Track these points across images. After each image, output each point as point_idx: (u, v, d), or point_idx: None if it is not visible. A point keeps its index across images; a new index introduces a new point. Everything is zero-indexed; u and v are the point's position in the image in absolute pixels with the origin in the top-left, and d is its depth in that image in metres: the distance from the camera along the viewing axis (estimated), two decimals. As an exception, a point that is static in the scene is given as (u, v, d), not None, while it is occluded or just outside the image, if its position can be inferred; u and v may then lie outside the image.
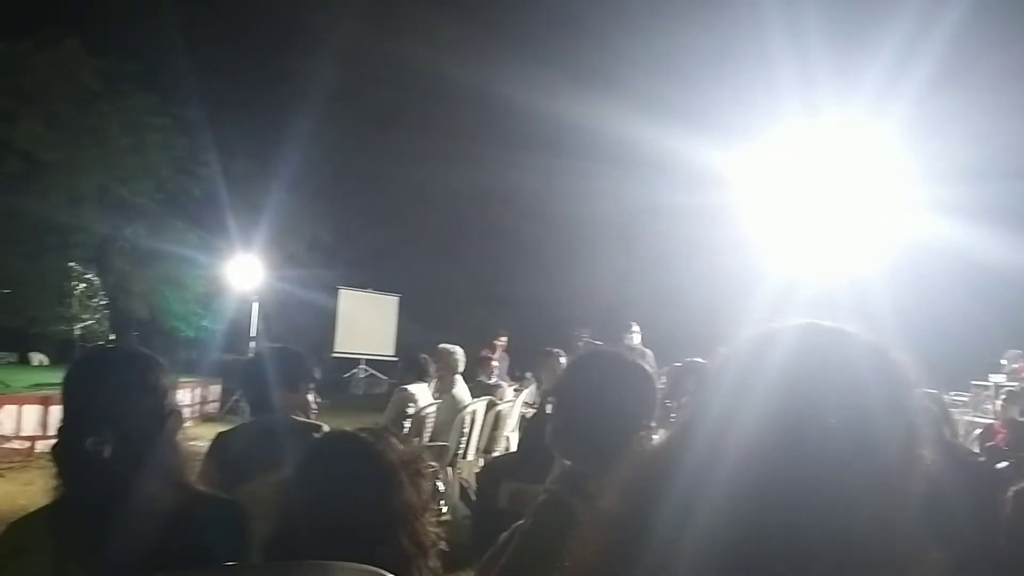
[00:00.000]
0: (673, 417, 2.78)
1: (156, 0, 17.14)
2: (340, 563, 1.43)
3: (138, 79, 15.72)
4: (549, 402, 2.17)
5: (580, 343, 11.65)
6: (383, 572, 1.41)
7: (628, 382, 1.98)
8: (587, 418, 1.93)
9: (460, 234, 19.13)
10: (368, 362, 18.34)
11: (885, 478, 0.89)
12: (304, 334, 17.51)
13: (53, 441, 1.67)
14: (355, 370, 18.33)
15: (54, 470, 1.65)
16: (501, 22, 15.52)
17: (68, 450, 1.58)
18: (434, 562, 1.61)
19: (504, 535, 1.84)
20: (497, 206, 18.43)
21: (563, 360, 6.35)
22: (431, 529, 1.64)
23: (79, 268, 13.85)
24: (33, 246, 15.17)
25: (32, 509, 4.92)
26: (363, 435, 1.70)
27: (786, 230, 12.42)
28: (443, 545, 1.68)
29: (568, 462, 2.00)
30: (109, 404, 1.58)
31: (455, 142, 17.87)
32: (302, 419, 3.18)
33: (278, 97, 17.81)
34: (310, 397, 3.31)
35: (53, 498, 1.63)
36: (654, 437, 1.82)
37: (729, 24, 13.71)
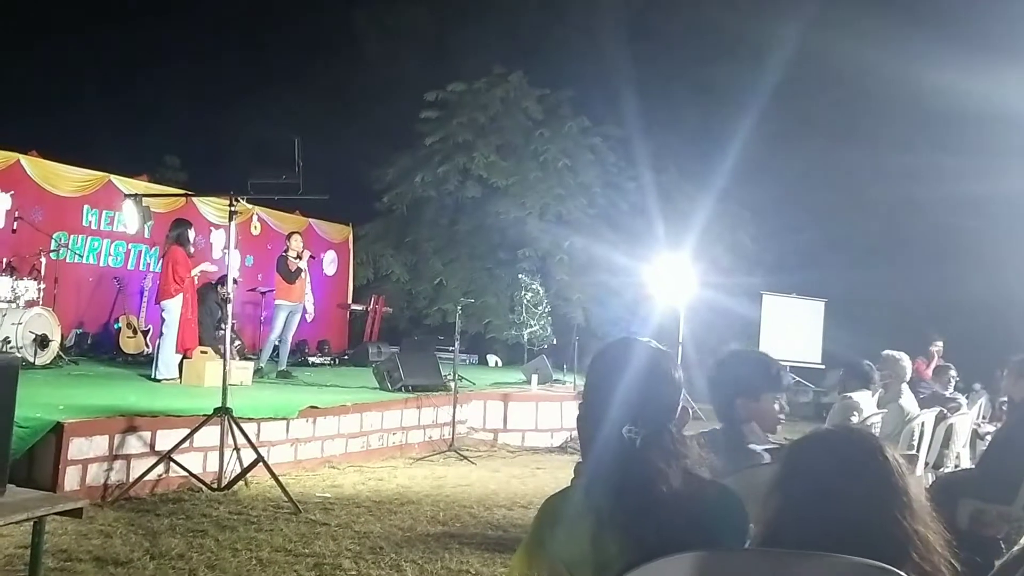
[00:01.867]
0: None
1: (587, 29, 18.66)
2: (844, 556, 1.52)
3: (573, 104, 17.11)
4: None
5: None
6: (887, 567, 1.47)
7: None
8: None
9: (889, 235, 17.89)
10: (793, 369, 17.91)
11: None
12: (729, 340, 17.63)
13: (580, 418, 1.87)
14: (780, 377, 18.00)
15: (584, 447, 1.87)
16: (928, 19, 14.33)
17: (603, 432, 1.75)
18: (934, 556, 1.63)
19: (1015, 551, 1.80)
20: (931, 207, 16.94)
21: None
22: (927, 517, 1.67)
23: (527, 279, 15.44)
24: (491, 260, 17.22)
25: (501, 494, 5.68)
26: (855, 428, 1.80)
27: None
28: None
29: None
30: (643, 394, 1.77)
31: (881, 144, 16.87)
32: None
33: (703, 109, 18.26)
34: (776, 407, 3.02)
35: (583, 475, 1.83)
36: None
37: None
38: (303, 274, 10.44)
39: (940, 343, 13.22)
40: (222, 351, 6.87)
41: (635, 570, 1.44)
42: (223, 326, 7.26)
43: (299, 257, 10.34)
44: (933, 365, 11.92)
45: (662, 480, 1.71)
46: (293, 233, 10.79)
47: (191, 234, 9.15)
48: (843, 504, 1.65)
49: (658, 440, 1.75)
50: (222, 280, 9.48)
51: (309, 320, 12.34)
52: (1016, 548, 1.83)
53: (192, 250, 9.08)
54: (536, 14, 19.54)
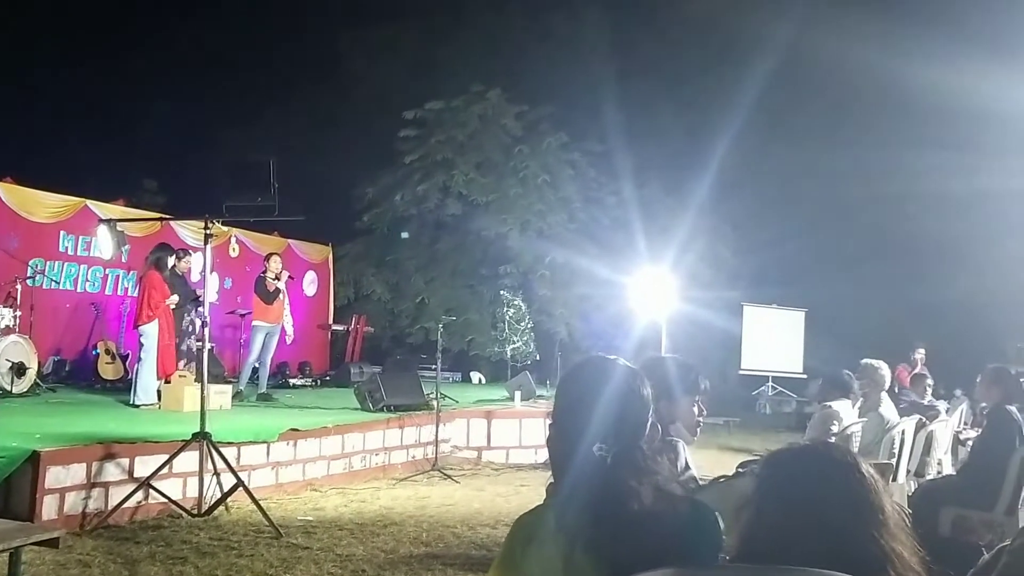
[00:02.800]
0: None
1: (568, 46, 18.78)
2: (819, 571, 1.51)
3: (552, 120, 17.18)
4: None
5: (1024, 356, 10.44)
6: None
7: None
8: None
9: (871, 243, 18.05)
10: (775, 379, 18.01)
11: None
12: (711, 352, 17.70)
13: (551, 438, 1.86)
14: (762, 388, 18.10)
15: (555, 467, 1.86)
16: (906, 22, 14.50)
17: (574, 450, 1.75)
18: (910, 573, 1.61)
19: (986, 557, 1.81)
20: (914, 210, 17.10)
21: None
22: (902, 534, 1.66)
23: (508, 295, 15.45)
24: (473, 277, 17.21)
25: (485, 512, 5.68)
26: (832, 444, 1.80)
27: None
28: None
29: None
30: (612, 413, 1.76)
31: (862, 150, 17.05)
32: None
33: (684, 123, 18.40)
34: (695, 410, 3.19)
35: (555, 494, 1.82)
36: None
37: None
38: (281, 295, 10.41)
39: (923, 350, 13.31)
40: (199, 373, 6.81)
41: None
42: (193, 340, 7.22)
43: (277, 278, 10.31)
44: (915, 372, 12.00)
45: (633, 497, 1.71)
46: (272, 254, 10.77)
47: (171, 260, 9.16)
48: (819, 521, 1.63)
49: (629, 458, 1.75)
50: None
51: (289, 342, 12.25)
52: (988, 554, 1.83)
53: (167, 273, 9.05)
54: (518, 32, 19.64)
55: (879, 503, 1.67)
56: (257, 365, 10.43)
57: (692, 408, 3.17)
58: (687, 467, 3.04)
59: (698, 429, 3.23)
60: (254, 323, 10.34)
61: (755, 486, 1.79)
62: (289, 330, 11.65)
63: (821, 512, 1.65)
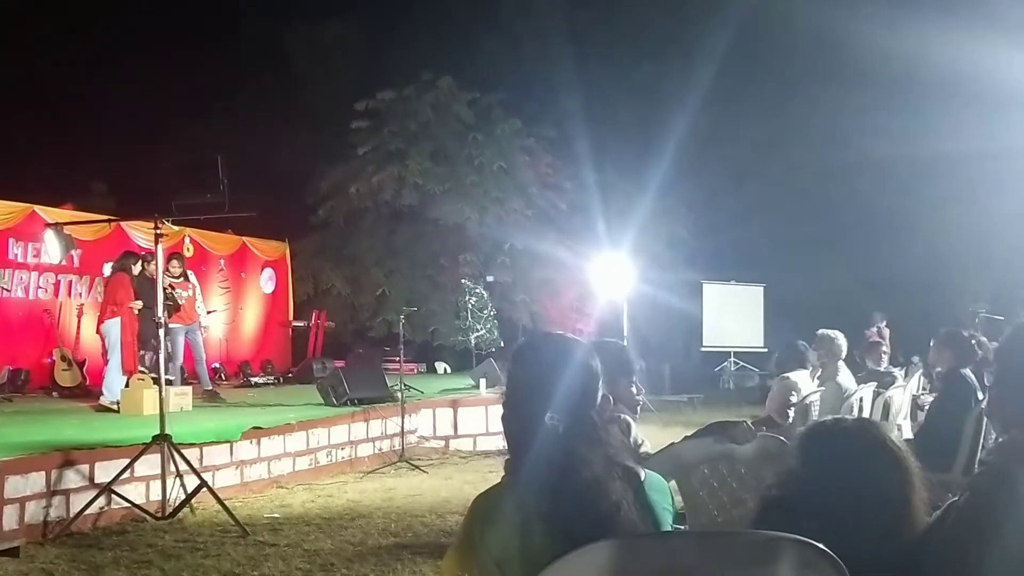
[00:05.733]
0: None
1: (518, 31, 18.76)
2: (763, 532, 1.58)
3: (505, 106, 17.15)
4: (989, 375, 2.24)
5: (977, 319, 10.65)
6: (804, 539, 1.49)
7: None
8: None
9: (825, 217, 18.29)
10: (737, 355, 18.23)
11: None
12: (672, 331, 17.89)
13: (505, 415, 1.90)
14: (725, 364, 18.31)
15: (510, 443, 1.88)
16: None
17: (528, 425, 1.78)
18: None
19: (936, 513, 1.87)
20: (865, 183, 17.37)
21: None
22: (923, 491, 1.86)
23: (470, 284, 15.43)
24: (432, 268, 17.16)
25: (454, 500, 5.69)
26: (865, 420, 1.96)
27: None
28: None
29: (1005, 434, 1.97)
30: (562, 384, 1.78)
31: (812, 126, 17.25)
32: None
33: (637, 106, 18.50)
34: (633, 390, 3.32)
35: (510, 471, 1.83)
36: None
37: None
38: (193, 290, 10.39)
39: (883, 322, 13.54)
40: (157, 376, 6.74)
41: (558, 560, 1.44)
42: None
43: (182, 276, 10.23)
44: (871, 340, 12.19)
45: (585, 466, 1.72)
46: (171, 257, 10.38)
47: (137, 266, 9.18)
48: (861, 495, 1.80)
49: (580, 428, 1.77)
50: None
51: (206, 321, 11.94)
52: (939, 511, 1.89)
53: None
54: (466, 19, 19.57)
55: (910, 467, 1.88)
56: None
57: (631, 388, 3.31)
58: (639, 442, 3.11)
59: (638, 408, 3.39)
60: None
61: (796, 458, 1.96)
62: (206, 321, 11.51)
63: (862, 487, 1.82)
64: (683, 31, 18.69)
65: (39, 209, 11.04)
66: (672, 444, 3.43)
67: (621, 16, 19.57)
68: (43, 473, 5.57)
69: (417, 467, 8.36)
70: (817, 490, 1.82)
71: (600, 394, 1.86)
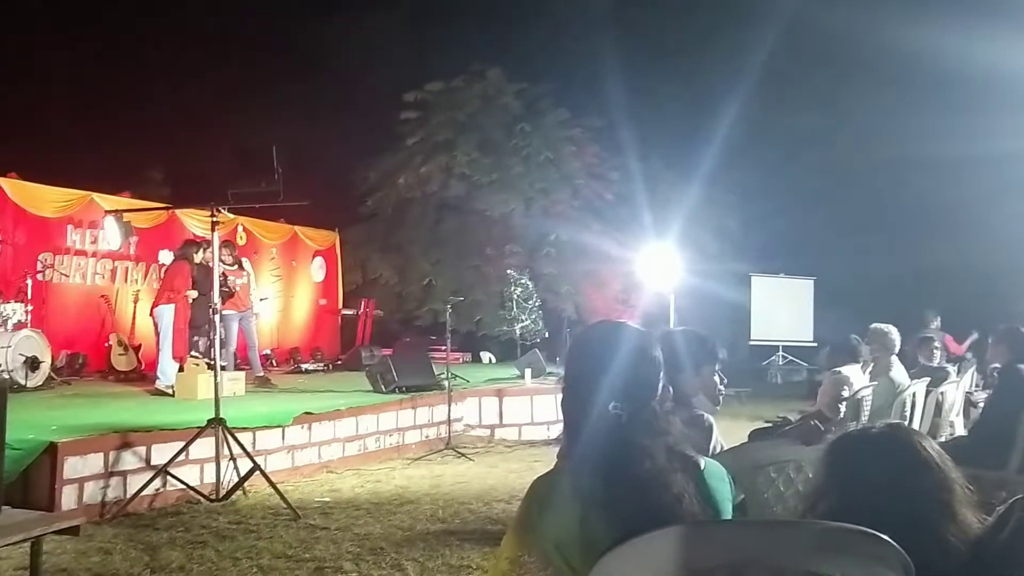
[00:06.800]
0: None
1: (565, 21, 18.67)
2: (825, 523, 1.57)
3: (553, 97, 17.12)
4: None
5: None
6: (869, 531, 1.48)
7: None
8: None
9: (877, 209, 17.95)
10: (785, 349, 18.02)
11: None
12: (720, 324, 17.71)
13: (565, 401, 1.88)
14: (773, 358, 18.12)
15: (569, 429, 1.87)
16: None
17: (589, 412, 1.78)
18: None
19: (1000, 510, 1.84)
20: (918, 176, 17.00)
21: None
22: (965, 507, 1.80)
23: (515, 274, 15.45)
24: (478, 258, 17.21)
25: (500, 488, 5.71)
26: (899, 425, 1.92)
27: None
28: None
29: None
30: (625, 373, 1.78)
31: (865, 117, 16.95)
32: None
33: (685, 95, 18.31)
34: (716, 379, 3.26)
35: (568, 456, 1.84)
36: None
37: None
38: (247, 278, 10.56)
39: (937, 321, 13.23)
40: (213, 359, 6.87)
41: (620, 545, 1.45)
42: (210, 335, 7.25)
43: (235, 264, 10.38)
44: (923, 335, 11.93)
45: (647, 457, 1.73)
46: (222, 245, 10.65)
47: (199, 255, 9.40)
48: (897, 503, 1.74)
49: (642, 417, 1.78)
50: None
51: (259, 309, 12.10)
52: (1002, 508, 1.85)
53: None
54: (512, 8, 19.54)
55: (948, 476, 1.82)
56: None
57: (713, 378, 3.22)
58: (717, 449, 3.06)
59: (720, 397, 3.30)
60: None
61: (826, 475, 1.89)
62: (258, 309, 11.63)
63: (898, 495, 1.76)
64: (731, 18, 18.43)
65: (97, 197, 11.30)
66: (744, 444, 3.39)
67: (668, 3, 19.36)
68: (101, 454, 5.72)
69: (463, 455, 8.41)
70: (847, 504, 1.77)
71: (661, 384, 1.86)
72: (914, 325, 13.05)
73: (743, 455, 3.19)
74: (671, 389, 1.93)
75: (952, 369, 8.51)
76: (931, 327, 13.11)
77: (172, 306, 8.88)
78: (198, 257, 9.37)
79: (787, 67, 17.48)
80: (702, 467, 1.82)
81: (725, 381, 3.30)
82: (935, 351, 8.14)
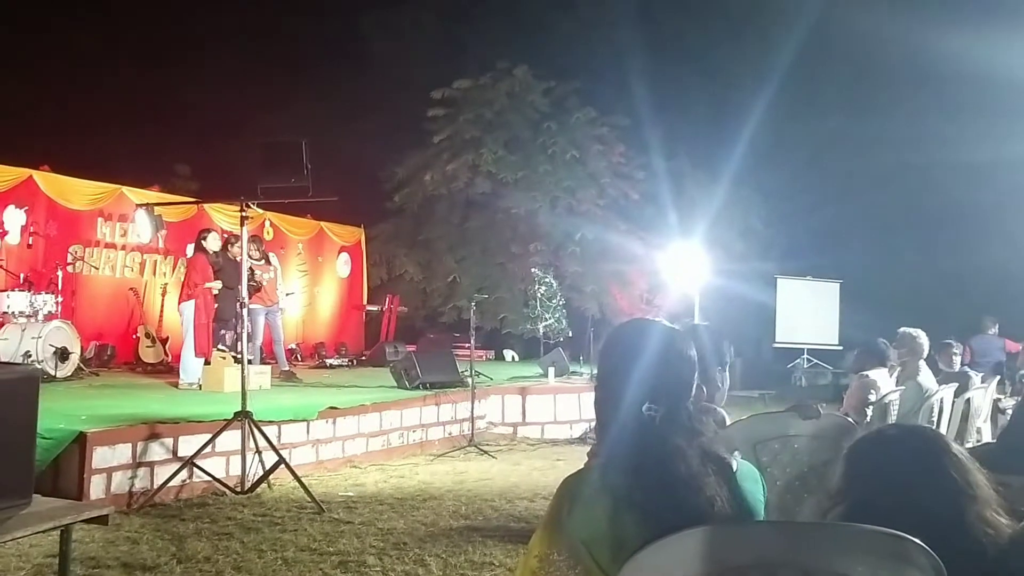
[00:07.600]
0: None
1: (592, 19, 18.63)
2: (857, 525, 1.55)
3: (580, 95, 17.09)
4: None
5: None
6: (901, 534, 1.48)
7: None
8: None
9: (903, 212, 17.75)
10: (810, 352, 17.87)
11: None
12: (745, 326, 17.60)
13: (598, 400, 1.88)
14: (797, 360, 17.97)
15: (601, 428, 1.87)
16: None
17: (621, 412, 1.77)
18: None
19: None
20: (945, 179, 16.79)
21: None
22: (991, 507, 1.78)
23: (539, 272, 15.43)
24: (503, 256, 17.21)
25: (522, 486, 5.72)
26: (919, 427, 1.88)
27: None
28: None
29: None
30: (659, 373, 1.78)
31: (891, 118, 16.76)
32: None
33: (711, 94, 18.21)
34: (717, 380, 3.27)
35: (600, 454, 1.83)
36: None
37: None
38: (275, 272, 10.61)
39: (995, 327, 13.05)
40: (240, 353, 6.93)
41: (652, 544, 1.45)
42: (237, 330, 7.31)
43: (262, 259, 10.42)
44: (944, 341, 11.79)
45: (681, 459, 1.72)
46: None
47: (217, 244, 9.38)
48: (916, 506, 1.71)
49: (676, 418, 1.77)
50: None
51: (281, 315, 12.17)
52: None
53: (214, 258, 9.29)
54: (539, 5, 19.51)
55: (973, 480, 1.80)
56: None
57: (716, 378, 3.28)
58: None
59: (723, 398, 3.37)
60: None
61: (845, 474, 1.89)
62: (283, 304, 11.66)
63: (917, 497, 1.74)
64: (758, 18, 18.30)
65: (127, 190, 11.45)
66: (749, 416, 3.43)
67: (695, 2, 19.25)
68: (129, 445, 5.80)
69: (486, 452, 8.43)
70: (866, 509, 1.75)
71: (695, 384, 1.85)
72: (942, 328, 12.91)
73: (750, 427, 3.22)
74: (704, 389, 1.92)
75: (975, 375, 8.41)
76: (989, 332, 12.96)
77: (192, 302, 8.85)
78: (215, 244, 9.31)
79: (815, 67, 17.34)
80: (735, 469, 1.81)
81: (727, 383, 3.38)
82: (954, 356, 8.04)
